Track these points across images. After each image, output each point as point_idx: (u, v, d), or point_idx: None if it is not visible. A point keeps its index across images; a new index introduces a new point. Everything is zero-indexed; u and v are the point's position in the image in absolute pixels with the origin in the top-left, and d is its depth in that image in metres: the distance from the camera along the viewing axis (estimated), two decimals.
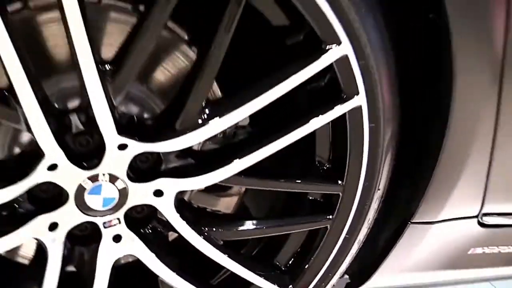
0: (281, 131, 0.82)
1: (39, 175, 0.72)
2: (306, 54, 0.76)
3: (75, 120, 0.75)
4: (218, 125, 0.77)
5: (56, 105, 0.75)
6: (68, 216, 0.79)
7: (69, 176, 0.75)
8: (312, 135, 0.86)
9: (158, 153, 0.81)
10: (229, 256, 0.92)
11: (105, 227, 0.83)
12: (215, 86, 0.87)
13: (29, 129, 0.67)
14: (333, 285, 1.08)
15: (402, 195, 1.05)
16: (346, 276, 1.18)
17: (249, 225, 0.94)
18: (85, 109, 0.71)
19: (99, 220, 0.82)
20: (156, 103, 0.84)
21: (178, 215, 0.84)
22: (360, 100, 0.81)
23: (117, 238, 0.84)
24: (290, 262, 1.02)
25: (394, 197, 1.04)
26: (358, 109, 0.82)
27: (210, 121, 0.77)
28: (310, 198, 0.98)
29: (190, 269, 0.93)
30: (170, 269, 0.89)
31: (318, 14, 0.72)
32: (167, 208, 0.84)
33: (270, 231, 0.96)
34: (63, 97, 0.77)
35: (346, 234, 0.98)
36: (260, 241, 1.05)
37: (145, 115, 0.83)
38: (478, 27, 0.82)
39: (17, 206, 0.78)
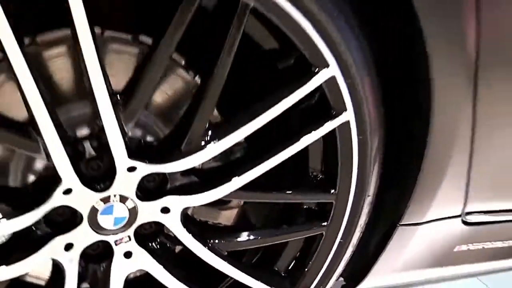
0: (276, 148, 0.87)
1: (56, 199, 0.77)
2: (297, 77, 0.82)
3: (88, 146, 0.80)
4: (219, 146, 0.82)
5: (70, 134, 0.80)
6: (83, 236, 0.83)
7: (83, 199, 0.79)
8: (305, 149, 0.91)
9: (163, 173, 0.85)
10: (233, 265, 0.96)
11: (116, 245, 0.87)
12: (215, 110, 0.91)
13: (48, 158, 0.72)
14: None
15: (390, 200, 1.07)
16: (341, 279, 1.21)
17: (250, 235, 0.98)
18: (99, 136, 0.76)
19: (111, 238, 0.86)
20: (159, 126, 0.88)
21: (185, 230, 0.89)
22: (348, 115, 0.87)
23: (128, 255, 0.89)
24: (289, 268, 1.06)
25: (383, 202, 1.07)
26: (347, 123, 0.87)
27: (213, 142, 0.81)
28: (305, 207, 1.02)
29: (196, 279, 0.97)
30: (178, 280, 0.93)
31: (307, 41, 0.78)
32: (174, 224, 0.88)
33: (269, 240, 1.00)
34: (73, 126, 0.81)
35: (341, 239, 1.02)
36: (259, 249, 1.09)
37: (152, 139, 0.87)
38: (450, 29, 0.82)
39: (35, 229, 0.82)
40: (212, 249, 0.94)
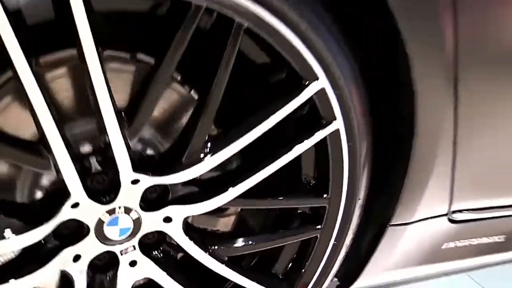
0: (270, 158, 0.91)
1: (65, 213, 0.80)
2: (289, 90, 0.86)
3: (93, 162, 0.84)
4: (218, 158, 0.86)
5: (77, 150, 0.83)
6: (90, 247, 0.86)
7: (90, 211, 0.82)
8: (298, 157, 0.95)
9: (165, 184, 0.89)
10: (233, 269, 1.00)
11: (122, 254, 0.90)
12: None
13: (58, 174, 0.76)
14: None
15: (380, 202, 1.10)
16: (336, 279, 1.25)
17: (248, 240, 1.02)
18: (104, 151, 0.80)
19: (116, 249, 0.89)
20: (159, 139, 0.92)
21: (187, 238, 0.92)
22: (338, 124, 0.91)
23: (133, 263, 0.92)
24: (286, 270, 1.10)
25: (373, 204, 1.10)
26: (337, 132, 0.92)
27: (212, 154, 0.86)
28: (300, 211, 1.06)
29: (198, 284, 1.01)
30: (181, 285, 0.97)
31: (297, 56, 0.82)
32: (176, 233, 0.92)
33: (267, 244, 1.04)
34: (79, 142, 0.84)
35: (334, 241, 1.07)
36: (257, 253, 1.12)
37: (154, 152, 0.91)
38: (427, 30, 0.83)
39: (44, 242, 0.85)
40: (213, 255, 0.97)
